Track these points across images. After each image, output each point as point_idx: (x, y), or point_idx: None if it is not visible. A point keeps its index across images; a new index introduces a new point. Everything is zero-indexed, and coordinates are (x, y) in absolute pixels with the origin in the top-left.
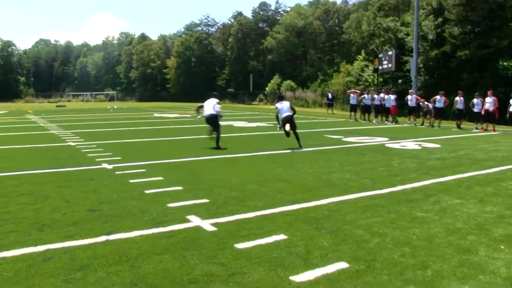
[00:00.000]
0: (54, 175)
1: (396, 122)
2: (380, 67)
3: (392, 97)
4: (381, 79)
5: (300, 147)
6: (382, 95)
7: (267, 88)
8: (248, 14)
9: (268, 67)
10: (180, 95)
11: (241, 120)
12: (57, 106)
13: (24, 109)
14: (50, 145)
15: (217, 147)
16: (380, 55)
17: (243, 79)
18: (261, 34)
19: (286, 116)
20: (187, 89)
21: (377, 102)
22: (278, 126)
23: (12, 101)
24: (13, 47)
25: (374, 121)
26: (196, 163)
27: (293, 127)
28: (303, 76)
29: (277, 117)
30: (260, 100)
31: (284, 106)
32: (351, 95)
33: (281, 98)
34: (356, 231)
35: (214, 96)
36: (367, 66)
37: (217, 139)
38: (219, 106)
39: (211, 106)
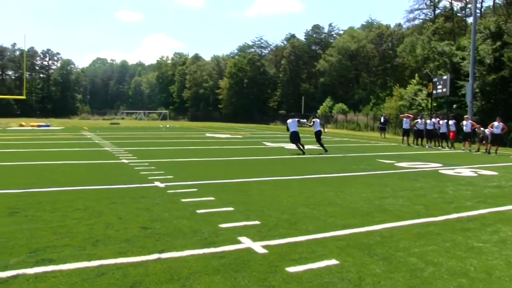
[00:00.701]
0: (107, 192)
1: (453, 147)
2: (434, 92)
3: (451, 122)
4: (435, 104)
5: (325, 151)
6: (436, 119)
7: (318, 111)
8: (301, 36)
9: (320, 90)
10: (232, 116)
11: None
12: (111, 124)
13: (80, 126)
14: (104, 162)
15: (303, 153)
16: (435, 79)
17: (294, 101)
18: (314, 57)
19: (291, 133)
20: (239, 110)
21: (430, 127)
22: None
23: (68, 117)
24: (72, 66)
25: (427, 146)
26: (246, 184)
27: (317, 139)
28: (355, 99)
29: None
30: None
31: (291, 123)
32: (404, 119)
33: (291, 116)
34: (409, 259)
35: (293, 117)
36: (420, 90)
37: (302, 146)
38: (303, 120)
39: (294, 125)
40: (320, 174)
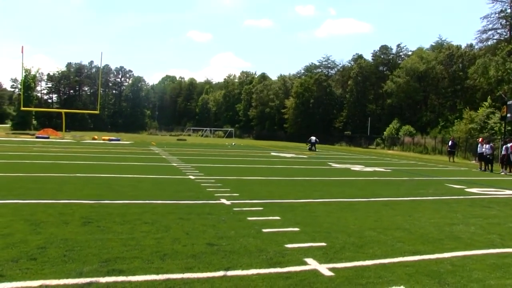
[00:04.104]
0: (174, 207)
1: None
2: (508, 115)
3: None
4: (509, 128)
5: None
6: (510, 144)
7: (385, 133)
8: (369, 57)
9: (387, 111)
10: (297, 135)
11: (358, 164)
12: (178, 140)
13: (148, 141)
14: (171, 177)
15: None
16: (509, 102)
17: (360, 122)
18: (381, 78)
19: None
20: (304, 130)
21: (504, 152)
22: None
23: (137, 132)
24: (142, 83)
25: (501, 172)
26: (312, 205)
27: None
28: (422, 121)
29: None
30: (377, 144)
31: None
32: (480, 144)
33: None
34: None
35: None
36: (493, 113)
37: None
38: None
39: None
40: (386, 197)
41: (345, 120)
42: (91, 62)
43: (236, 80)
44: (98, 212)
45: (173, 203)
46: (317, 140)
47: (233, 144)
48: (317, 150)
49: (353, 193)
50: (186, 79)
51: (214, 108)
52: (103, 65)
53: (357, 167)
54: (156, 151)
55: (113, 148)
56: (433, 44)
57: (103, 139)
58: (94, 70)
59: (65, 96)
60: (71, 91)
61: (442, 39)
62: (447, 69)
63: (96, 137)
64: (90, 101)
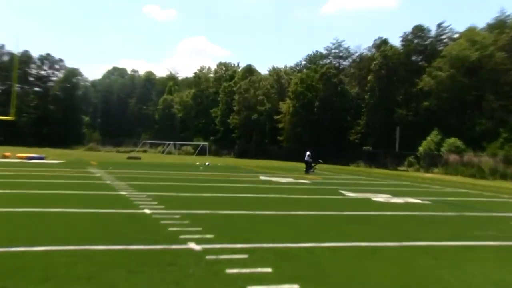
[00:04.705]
0: (122, 254)
1: None
2: None
3: None
4: None
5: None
6: None
7: (420, 148)
8: (396, 42)
9: (423, 117)
10: (295, 152)
11: (382, 192)
12: (129, 158)
13: (86, 160)
14: (118, 211)
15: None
16: None
17: (385, 134)
18: (414, 71)
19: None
20: (306, 144)
21: None
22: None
23: (71, 147)
24: (79, 77)
25: None
26: (318, 251)
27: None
28: (475, 132)
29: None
30: (410, 165)
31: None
32: None
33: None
34: None
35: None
36: None
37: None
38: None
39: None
40: (424, 241)
41: (363, 131)
42: (2, 46)
43: (211, 75)
44: (8, 265)
45: (120, 249)
46: (310, 156)
47: (207, 164)
48: (316, 170)
49: (376, 235)
50: (142, 72)
51: (181, 114)
52: (20, 51)
53: (381, 197)
54: (98, 175)
55: (35, 170)
56: (491, 22)
57: (19, 157)
58: (6, 57)
59: None
60: None
61: (506, 14)
62: (511, 58)
63: (8, 154)
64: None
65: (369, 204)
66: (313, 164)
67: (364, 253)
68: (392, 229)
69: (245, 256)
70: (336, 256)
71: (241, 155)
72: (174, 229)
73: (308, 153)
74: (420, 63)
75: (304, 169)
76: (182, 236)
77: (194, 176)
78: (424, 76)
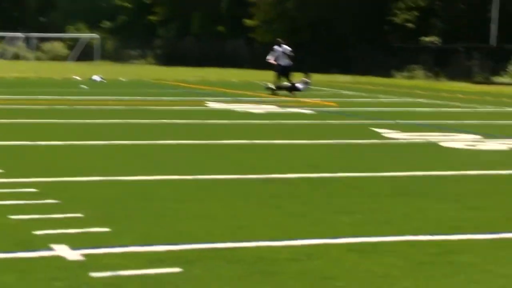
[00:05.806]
0: None
1: None
2: None
3: None
4: None
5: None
6: None
7: None
8: None
9: None
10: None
11: (462, 130)
12: None
13: None
14: None
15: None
16: None
17: (465, 16)
18: None
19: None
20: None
21: None
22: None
23: None
24: None
25: None
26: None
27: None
28: None
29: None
30: None
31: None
32: None
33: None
34: None
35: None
36: None
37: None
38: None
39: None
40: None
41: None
42: None
43: None
44: None
45: None
46: (293, 54)
47: (98, 79)
48: (308, 87)
49: (454, 215)
50: None
51: None
52: None
53: (459, 140)
54: None
55: None
56: None
57: None
58: None
59: None
60: None
61: None
62: None
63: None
64: None
65: (435, 153)
66: (304, 75)
67: (430, 257)
68: (486, 205)
69: (179, 269)
70: (376, 262)
71: (170, 59)
72: (24, 217)
73: (286, 48)
74: None
75: (285, 86)
76: (41, 232)
77: (70, 104)
78: None
